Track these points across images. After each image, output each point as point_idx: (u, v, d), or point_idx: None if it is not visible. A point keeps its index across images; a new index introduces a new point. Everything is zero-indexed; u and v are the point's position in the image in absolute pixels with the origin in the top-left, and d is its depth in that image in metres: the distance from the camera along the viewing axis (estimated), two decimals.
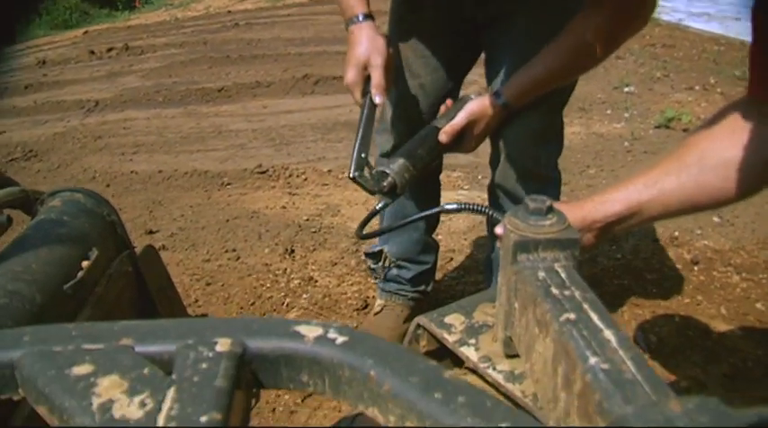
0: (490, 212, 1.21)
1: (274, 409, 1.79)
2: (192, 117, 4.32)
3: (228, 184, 3.18)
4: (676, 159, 1.02)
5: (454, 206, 1.28)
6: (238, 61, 5.63)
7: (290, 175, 3.22)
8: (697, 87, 4.69)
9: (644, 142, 3.67)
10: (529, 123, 1.55)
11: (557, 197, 1.78)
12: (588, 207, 1.05)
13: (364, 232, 1.43)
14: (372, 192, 1.43)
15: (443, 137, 1.46)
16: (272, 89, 4.73)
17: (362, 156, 1.40)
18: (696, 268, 2.43)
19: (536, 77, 1.43)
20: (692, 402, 0.51)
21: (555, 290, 0.75)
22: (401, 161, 1.43)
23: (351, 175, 1.39)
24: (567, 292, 0.74)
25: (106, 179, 3.41)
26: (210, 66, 5.57)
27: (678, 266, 2.44)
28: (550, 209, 0.84)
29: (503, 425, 0.51)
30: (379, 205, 1.46)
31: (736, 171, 0.97)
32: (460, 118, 1.46)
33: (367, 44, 1.43)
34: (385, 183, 1.40)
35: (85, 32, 8.88)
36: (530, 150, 1.60)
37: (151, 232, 2.77)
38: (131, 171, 3.48)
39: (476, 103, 1.47)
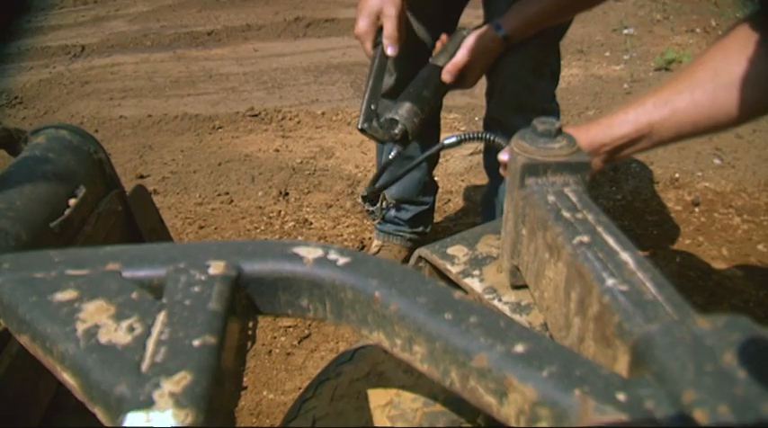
0: (491, 137, 1.17)
1: (270, 351, 1.77)
2: (181, 61, 4.22)
3: (220, 128, 3.12)
4: (688, 77, 0.97)
5: (454, 139, 1.24)
6: (228, 5, 5.48)
7: (282, 118, 3.15)
8: (698, 29, 4.60)
9: (643, 84, 3.60)
10: (525, 55, 1.51)
11: None
12: (595, 129, 1.01)
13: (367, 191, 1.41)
14: (383, 141, 1.39)
15: (447, 76, 1.42)
16: (264, 32, 4.61)
17: (372, 107, 1.35)
18: (697, 210, 2.40)
19: (535, 12, 1.39)
20: (720, 320, 0.47)
21: (566, 213, 0.71)
22: (408, 105, 1.38)
23: (360, 127, 1.35)
24: (579, 215, 0.70)
25: (94, 124, 3.34)
26: (200, 9, 5.42)
27: (679, 208, 2.41)
28: (560, 132, 0.79)
29: (519, 345, 0.47)
30: (392, 154, 1.42)
31: (751, 86, 0.93)
32: (462, 55, 1.42)
33: None
34: (396, 131, 1.36)
35: None
36: (526, 82, 1.56)
37: (142, 177, 2.72)
38: (120, 116, 3.41)
39: (474, 38, 1.43)
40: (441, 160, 2.42)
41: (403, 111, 1.37)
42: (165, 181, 2.66)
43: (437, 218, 2.21)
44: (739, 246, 2.20)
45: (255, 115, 3.18)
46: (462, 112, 3.11)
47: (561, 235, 0.67)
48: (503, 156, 1.03)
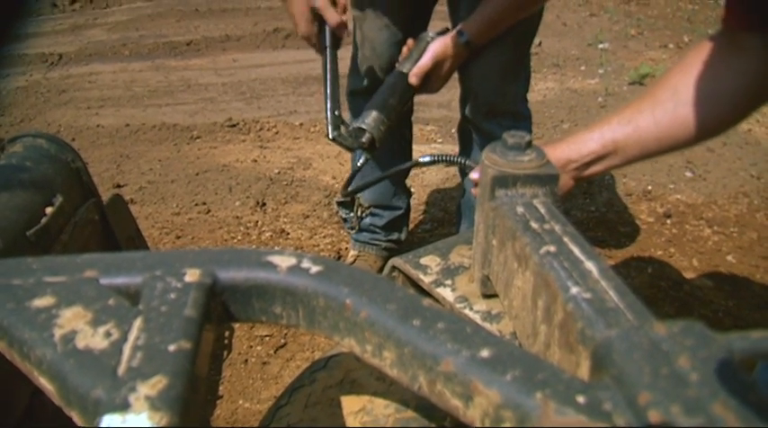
0: (463, 161, 1.20)
1: (246, 360, 1.77)
2: (159, 71, 4.21)
3: (198, 138, 3.12)
4: (650, 96, 1.00)
5: (428, 158, 1.27)
6: (207, 15, 5.49)
7: (260, 129, 3.16)
8: (671, 45, 4.69)
9: (618, 98, 3.66)
10: (494, 59, 1.54)
11: (528, 131, 1.77)
12: (562, 147, 1.04)
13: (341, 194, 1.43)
14: (352, 150, 1.42)
15: (413, 79, 1.45)
16: (242, 43, 4.62)
17: (336, 113, 1.38)
18: (669, 221, 2.44)
19: (494, 11, 1.42)
20: (676, 326, 0.50)
21: (534, 224, 0.73)
22: (374, 114, 1.41)
23: (330, 136, 1.38)
24: (546, 226, 0.72)
25: (71, 133, 3.32)
26: (178, 19, 5.41)
27: (651, 219, 2.45)
28: (529, 145, 0.82)
29: (484, 350, 0.49)
30: (360, 161, 1.45)
31: (709, 104, 0.96)
32: (426, 59, 1.45)
33: None
34: (363, 139, 1.40)
35: None
36: (496, 86, 1.59)
37: (119, 186, 2.71)
38: (98, 125, 3.40)
39: (439, 43, 1.45)
40: (417, 173, 2.44)
41: (370, 120, 1.40)
42: (143, 190, 2.66)
43: (413, 228, 2.24)
44: (709, 257, 2.24)
45: (233, 125, 3.19)
46: (439, 125, 3.14)
47: (529, 245, 0.69)
48: (473, 175, 1.06)
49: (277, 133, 3.12)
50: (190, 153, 2.97)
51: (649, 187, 2.66)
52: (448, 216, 2.38)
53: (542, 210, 0.76)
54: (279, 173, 2.71)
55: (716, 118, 0.97)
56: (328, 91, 1.38)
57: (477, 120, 1.65)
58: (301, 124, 3.19)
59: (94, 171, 2.83)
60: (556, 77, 3.97)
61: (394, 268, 0.97)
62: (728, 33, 0.98)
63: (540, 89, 3.74)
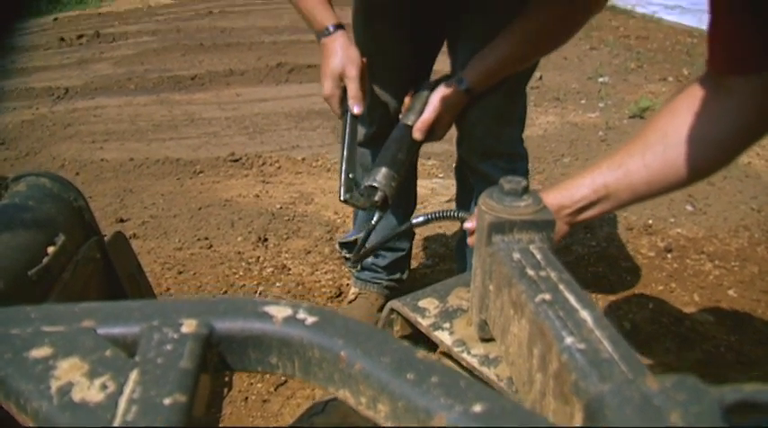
0: (456, 214, 1.21)
1: (247, 398, 1.77)
2: (164, 105, 4.25)
3: (201, 172, 3.14)
4: (640, 140, 1.02)
5: (422, 219, 1.29)
6: (212, 49, 5.56)
7: (263, 164, 3.19)
8: (670, 78, 4.73)
9: (618, 131, 3.69)
10: (489, 102, 1.55)
11: (525, 172, 1.79)
12: (555, 193, 1.05)
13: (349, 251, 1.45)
14: (365, 209, 1.43)
15: (418, 134, 1.48)
16: (246, 77, 4.67)
17: (350, 176, 1.40)
18: (669, 255, 2.44)
19: (496, 62, 1.44)
20: (669, 380, 0.50)
21: (530, 271, 0.73)
22: (384, 170, 1.43)
23: (342, 199, 1.40)
24: (542, 273, 0.73)
25: (75, 167, 3.35)
26: (183, 53, 5.48)
27: (652, 254, 2.45)
28: (525, 190, 0.83)
29: (477, 405, 0.49)
30: (375, 219, 1.46)
31: (698, 146, 0.97)
32: (429, 112, 1.47)
33: (341, 55, 1.42)
34: (376, 198, 1.41)
35: (55, 19, 8.70)
36: (491, 128, 1.61)
37: (122, 220, 2.73)
38: (102, 159, 3.42)
39: (440, 94, 1.47)
40: (418, 206, 2.45)
41: (380, 177, 1.41)
42: (145, 225, 2.67)
43: (414, 264, 2.24)
44: (710, 292, 2.24)
45: (236, 160, 3.21)
46: (440, 159, 3.16)
47: (525, 292, 0.69)
48: (468, 225, 1.07)
49: (279, 168, 3.14)
50: (193, 187, 2.99)
51: (650, 221, 2.66)
52: (449, 251, 2.38)
53: (538, 257, 0.77)
54: (281, 208, 2.73)
55: (705, 160, 0.98)
56: (345, 154, 1.41)
57: (474, 161, 1.67)
58: (303, 159, 3.22)
59: (98, 205, 2.87)
60: (557, 111, 4.00)
61: (392, 311, 0.98)
62: (713, 76, 0.99)
63: (542, 123, 3.76)
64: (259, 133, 3.65)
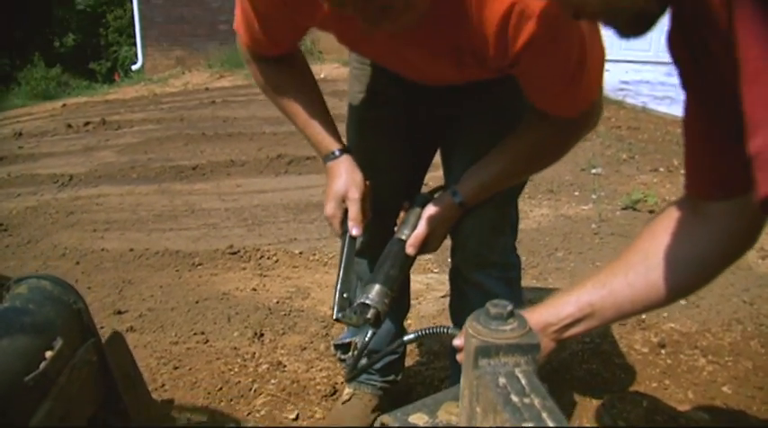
0: (446, 330, 1.25)
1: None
2: (165, 194, 4.34)
3: (200, 265, 3.18)
4: (623, 260, 1.07)
5: (412, 336, 1.33)
6: (214, 139, 5.70)
7: (261, 257, 3.23)
8: (662, 169, 4.83)
9: (611, 224, 3.75)
10: (484, 215, 1.59)
11: (518, 280, 1.82)
12: (541, 311, 1.09)
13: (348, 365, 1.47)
14: (358, 326, 1.46)
15: (411, 249, 1.51)
16: (247, 168, 4.78)
17: (344, 296, 1.44)
18: (663, 351, 2.46)
19: (489, 177, 1.49)
20: None
21: (515, 398, 0.77)
22: (377, 287, 1.45)
23: (335, 317, 1.43)
24: (526, 400, 0.76)
25: (76, 256, 3.39)
26: (186, 143, 5.62)
27: (645, 350, 2.46)
28: (511, 315, 0.87)
29: None
30: (368, 336, 1.49)
31: (677, 268, 1.02)
32: (422, 227, 1.50)
33: (345, 178, 1.49)
34: (369, 315, 1.43)
35: (64, 105, 8.95)
36: (486, 240, 1.64)
37: (119, 312, 2.75)
38: (102, 248, 3.47)
39: (433, 208, 1.51)
40: (413, 302, 2.48)
41: (373, 294, 1.44)
42: (143, 317, 2.69)
43: (409, 361, 2.25)
44: (704, 389, 2.24)
45: (235, 253, 3.26)
46: (435, 254, 3.20)
47: (509, 421, 0.73)
48: (457, 342, 1.11)
49: (277, 261, 3.18)
50: (191, 280, 3.02)
51: (643, 316, 2.68)
52: (443, 348, 2.39)
53: (523, 382, 0.80)
54: (277, 302, 2.76)
55: (684, 282, 1.03)
56: (341, 274, 1.45)
57: (467, 271, 1.70)
58: (301, 253, 3.26)
59: (97, 296, 2.90)
60: (550, 203, 4.08)
61: (383, 425, 1.00)
62: (691, 200, 1.05)
63: (535, 216, 3.83)
64: (258, 225, 3.71)
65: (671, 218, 1.05)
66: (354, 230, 1.48)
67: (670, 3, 0.81)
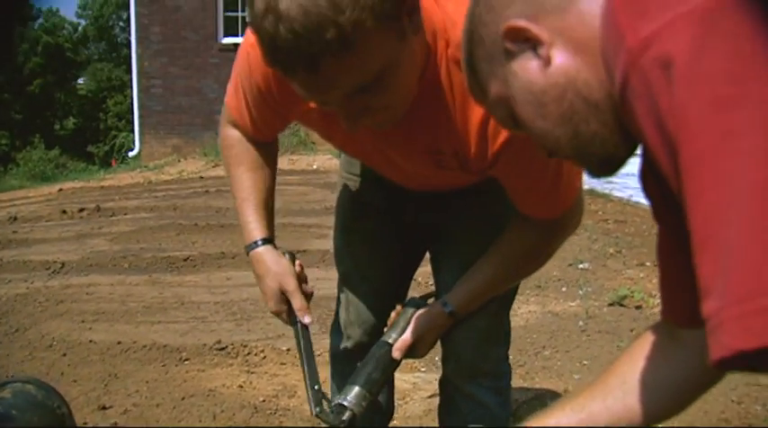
0: None
1: None
2: (155, 286, 4.36)
3: (187, 360, 3.18)
4: (601, 383, 1.10)
5: None
6: (206, 229, 5.76)
7: (248, 353, 3.24)
8: (648, 263, 4.87)
9: (598, 321, 3.77)
10: (478, 326, 1.60)
11: (508, 388, 1.83)
12: None
13: None
14: (335, 426, 1.44)
15: (397, 353, 1.52)
16: (237, 261, 4.81)
17: (316, 388, 1.44)
18: None
19: (479, 286, 1.51)
20: None
21: None
22: (357, 390, 1.47)
23: (314, 414, 1.44)
24: None
25: (63, 347, 3.38)
26: (178, 233, 5.68)
27: None
28: None
29: None
30: None
31: (653, 394, 1.05)
32: (410, 332, 1.53)
33: (274, 270, 1.46)
34: (345, 417, 1.44)
35: (60, 190, 9.07)
36: (480, 351, 1.64)
37: (104, 408, 2.73)
38: (90, 340, 3.47)
39: (423, 315, 1.54)
40: (399, 403, 2.49)
41: (351, 397, 1.46)
42: (127, 413, 2.67)
43: None
44: None
45: (222, 348, 3.26)
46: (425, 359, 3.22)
47: None
48: None
49: (264, 358, 3.19)
50: (177, 375, 3.01)
51: None
52: None
53: None
54: (264, 401, 2.75)
55: (661, 407, 1.06)
56: (305, 365, 1.45)
57: (459, 381, 1.69)
58: (288, 349, 3.27)
59: (82, 389, 2.88)
60: (538, 300, 4.12)
61: None
62: (668, 325, 1.09)
63: (523, 313, 3.86)
64: (246, 320, 3.73)
65: (648, 343, 1.09)
66: (305, 318, 1.46)
67: (639, 144, 0.88)
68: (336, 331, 1.82)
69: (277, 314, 1.50)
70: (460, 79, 1.22)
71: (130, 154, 12.30)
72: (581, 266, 4.79)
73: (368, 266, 1.74)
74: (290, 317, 1.49)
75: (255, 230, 1.51)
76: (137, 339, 3.43)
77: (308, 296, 1.50)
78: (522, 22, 0.86)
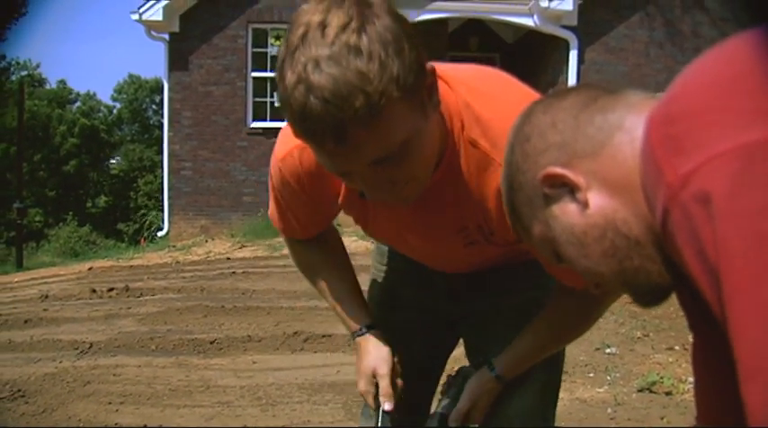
0: None
1: None
2: (182, 368, 4.39)
3: None
4: None
5: None
6: (232, 312, 5.81)
7: None
8: (677, 347, 4.80)
9: (627, 408, 3.71)
10: (530, 399, 1.61)
11: None
12: None
13: None
14: None
15: (454, 423, 1.54)
16: (263, 344, 4.83)
17: None
18: None
19: (530, 347, 1.53)
20: None
21: None
22: None
23: None
24: None
25: None
26: (205, 315, 5.73)
27: None
28: None
29: None
30: None
31: None
32: (464, 401, 1.55)
33: (374, 354, 1.54)
34: None
35: (90, 269, 9.22)
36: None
37: None
38: (116, 423, 3.49)
39: (474, 383, 1.56)
40: None
41: None
42: None
43: None
44: None
45: None
46: None
47: None
48: None
49: None
50: None
51: None
52: None
53: None
54: None
55: None
56: None
57: None
58: None
59: None
60: (565, 386, 4.05)
61: None
62: None
63: None
64: (272, 405, 3.72)
65: None
66: (386, 405, 1.50)
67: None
68: (366, 415, 1.84)
69: (364, 394, 1.55)
70: (476, 156, 1.29)
71: (159, 234, 12.49)
72: (608, 350, 4.72)
73: (401, 357, 1.77)
74: (375, 401, 1.54)
75: (358, 320, 1.59)
76: (162, 422, 3.44)
77: (396, 386, 1.54)
78: (558, 169, 0.91)
